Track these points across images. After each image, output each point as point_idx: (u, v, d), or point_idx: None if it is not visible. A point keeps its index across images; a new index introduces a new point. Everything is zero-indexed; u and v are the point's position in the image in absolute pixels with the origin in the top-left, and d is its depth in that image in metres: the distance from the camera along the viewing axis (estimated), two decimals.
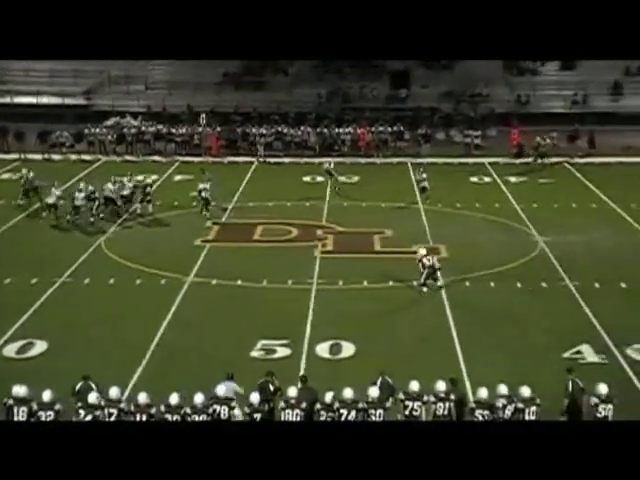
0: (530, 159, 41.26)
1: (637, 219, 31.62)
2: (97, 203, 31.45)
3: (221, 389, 15.55)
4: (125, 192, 32.40)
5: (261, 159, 42.18)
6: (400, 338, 21.47)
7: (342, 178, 37.56)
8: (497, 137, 46.41)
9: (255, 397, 15.52)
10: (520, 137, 43.93)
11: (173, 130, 45.12)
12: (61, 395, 15.62)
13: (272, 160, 42.32)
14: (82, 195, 31.12)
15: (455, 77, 53.76)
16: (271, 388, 16.30)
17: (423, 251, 25.32)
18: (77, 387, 16.15)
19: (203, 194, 32.32)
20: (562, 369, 17.23)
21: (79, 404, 15.32)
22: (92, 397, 15.32)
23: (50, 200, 31.13)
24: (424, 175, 34.22)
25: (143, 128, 45.32)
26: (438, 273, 24.85)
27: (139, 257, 27.44)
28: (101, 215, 31.58)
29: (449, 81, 53.41)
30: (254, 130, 45.18)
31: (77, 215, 31.06)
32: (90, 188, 31.60)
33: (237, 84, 54.06)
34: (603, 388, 15.57)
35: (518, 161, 42.42)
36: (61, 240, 29.43)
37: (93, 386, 16.02)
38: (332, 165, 36.82)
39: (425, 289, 24.62)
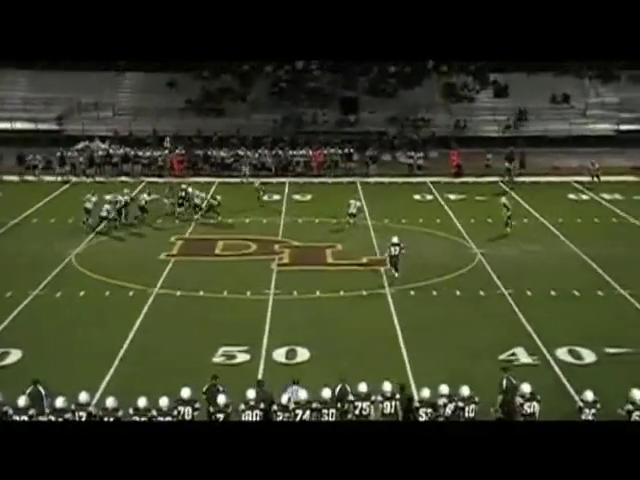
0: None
1: (563, 232, 32.06)
2: (125, 212, 33.15)
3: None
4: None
5: (245, 179, 41.35)
6: (350, 343, 21.49)
7: (296, 196, 37.60)
8: (438, 158, 46.80)
9: (222, 399, 15.53)
10: (459, 158, 44.37)
11: (139, 153, 44.94)
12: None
13: (233, 180, 42.18)
14: (109, 207, 32.47)
15: (400, 104, 54.19)
16: (221, 389, 16.20)
17: (395, 239, 26.56)
18: (27, 391, 15.79)
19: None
20: (498, 370, 17.37)
21: (32, 409, 14.98)
22: (59, 401, 15.11)
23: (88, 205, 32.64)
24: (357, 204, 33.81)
25: (111, 151, 45.05)
26: (397, 266, 26.06)
27: (107, 271, 27.17)
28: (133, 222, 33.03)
29: (394, 107, 53.78)
30: (214, 152, 45.20)
31: (101, 223, 32.33)
32: (120, 198, 33.02)
33: (198, 110, 53.93)
34: (526, 387, 15.68)
35: (457, 180, 42.80)
36: (35, 256, 29.03)
37: (42, 391, 15.73)
38: (259, 184, 37.02)
39: (397, 274, 26.05)
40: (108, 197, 33.50)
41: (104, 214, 32.35)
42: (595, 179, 40.39)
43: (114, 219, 32.60)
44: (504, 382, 16.41)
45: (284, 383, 16.70)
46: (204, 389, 16.35)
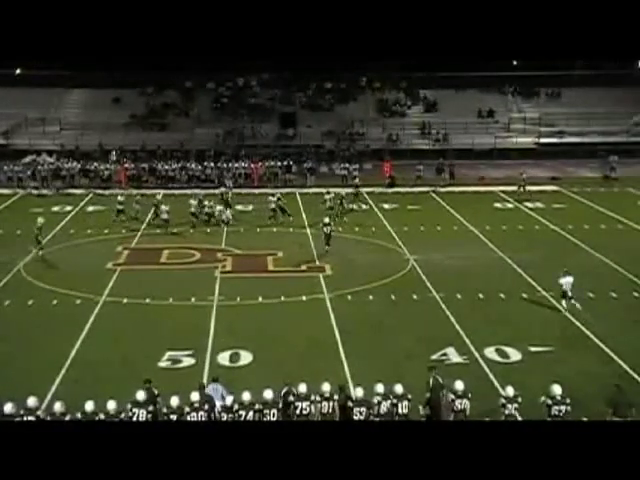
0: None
1: (490, 239, 32.53)
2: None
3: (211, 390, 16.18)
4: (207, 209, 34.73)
5: (230, 191, 39.86)
6: (292, 346, 21.45)
7: (239, 207, 37.49)
8: (372, 170, 47.18)
9: (175, 400, 15.36)
10: (391, 170, 44.77)
11: (86, 166, 44.29)
12: None
13: (177, 192, 41.84)
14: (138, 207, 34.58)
15: (336, 118, 54.56)
16: (155, 392, 15.93)
17: (326, 220, 29.80)
18: None
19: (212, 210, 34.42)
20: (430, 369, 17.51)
21: None
22: (8, 407, 14.79)
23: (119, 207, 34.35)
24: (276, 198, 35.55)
25: (59, 164, 44.26)
26: (330, 240, 29.46)
27: (55, 280, 26.69)
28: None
29: (331, 122, 54.15)
30: (159, 166, 44.81)
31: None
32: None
33: (143, 125, 53.47)
34: (459, 385, 15.81)
35: (390, 190, 43.16)
36: None
37: None
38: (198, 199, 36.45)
39: (327, 248, 29.54)
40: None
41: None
42: (521, 189, 40.90)
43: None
44: (431, 381, 16.51)
45: (227, 389, 16.60)
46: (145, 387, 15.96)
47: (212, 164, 45.28)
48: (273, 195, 36.34)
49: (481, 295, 25.52)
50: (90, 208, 38.69)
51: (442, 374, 16.99)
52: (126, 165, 44.62)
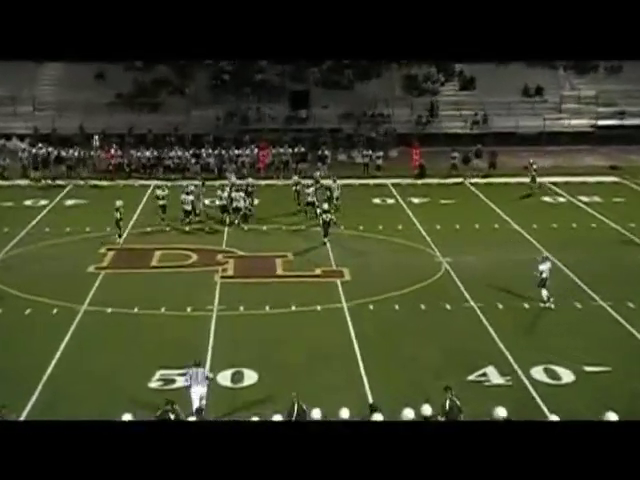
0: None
1: (538, 239, 32.43)
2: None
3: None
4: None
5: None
6: (304, 364, 21.44)
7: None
8: (398, 158, 47.14)
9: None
10: (421, 157, 44.72)
11: (64, 153, 44.41)
12: None
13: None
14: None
15: (356, 98, 54.46)
16: (172, 417, 16.12)
17: (325, 206, 31.73)
18: None
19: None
20: (466, 392, 17.47)
21: None
22: None
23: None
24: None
25: (33, 151, 44.34)
26: (329, 230, 31.17)
27: (28, 286, 26.77)
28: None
29: (350, 102, 54.04)
30: (147, 153, 44.90)
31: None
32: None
33: (131, 105, 53.60)
34: (501, 411, 15.70)
35: (420, 182, 43.11)
36: None
37: None
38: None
39: (326, 240, 31.16)
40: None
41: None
42: (533, 182, 40.56)
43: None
44: (447, 403, 16.50)
45: (227, 414, 16.62)
46: (157, 414, 16.20)
47: (211, 151, 45.36)
48: (308, 186, 36.08)
49: (526, 305, 25.43)
50: (69, 202, 38.86)
51: (480, 397, 16.95)
52: (112, 152, 44.76)
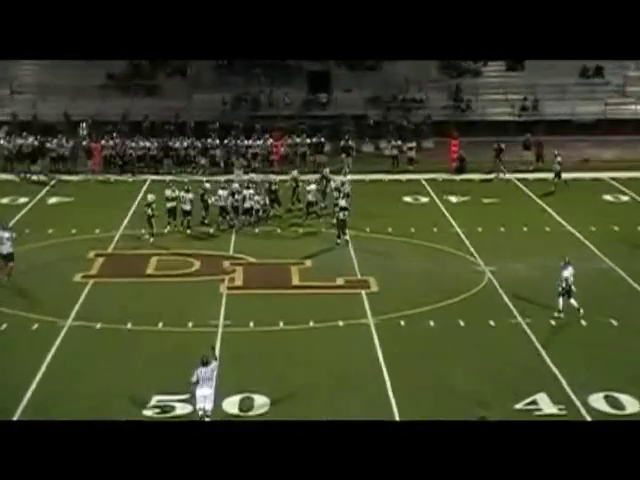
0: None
1: (598, 244, 32.31)
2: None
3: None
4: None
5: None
6: (322, 389, 21.43)
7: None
8: (434, 149, 47.09)
9: None
10: (460, 149, 44.64)
11: (47, 143, 44.55)
12: None
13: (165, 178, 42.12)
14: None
15: (383, 79, 54.39)
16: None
17: (343, 203, 32.72)
18: None
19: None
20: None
21: None
22: None
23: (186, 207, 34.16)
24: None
25: (18, 141, 44.44)
26: (345, 230, 32.26)
27: (4, 297, 26.97)
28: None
29: (377, 84, 54.00)
30: (143, 143, 44.97)
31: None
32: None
33: (124, 88, 53.76)
34: None
35: (459, 177, 43.04)
36: None
37: None
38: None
39: (339, 241, 32.05)
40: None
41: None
42: (557, 178, 40.48)
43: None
44: None
45: None
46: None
47: (217, 142, 45.41)
48: (310, 183, 36.11)
49: (583, 322, 25.35)
50: (52, 200, 39.08)
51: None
52: (102, 142, 44.89)
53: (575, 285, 25.51)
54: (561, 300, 25.44)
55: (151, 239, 32.57)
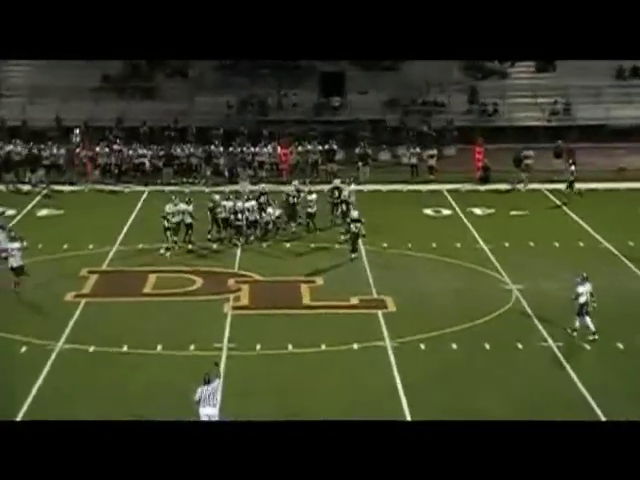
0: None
1: (635, 260, 32.22)
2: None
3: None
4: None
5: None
6: (336, 418, 21.35)
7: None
8: (457, 157, 47.07)
9: None
10: (485, 157, 44.62)
11: (37, 150, 44.66)
12: None
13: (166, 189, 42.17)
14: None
15: (402, 81, 54.39)
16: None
17: (355, 214, 32.67)
18: None
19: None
20: None
21: None
22: None
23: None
24: None
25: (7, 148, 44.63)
26: (356, 246, 32.42)
27: None
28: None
29: (394, 86, 54.01)
30: (139, 151, 45.02)
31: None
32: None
33: (120, 90, 53.87)
34: None
35: (484, 188, 43.00)
36: None
37: None
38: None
39: (353, 256, 32.27)
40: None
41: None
42: (569, 189, 40.66)
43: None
44: None
45: None
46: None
47: (221, 149, 45.46)
48: (311, 193, 36.30)
49: (620, 345, 25.27)
50: (42, 212, 39.20)
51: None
52: (97, 149, 44.98)
53: (591, 303, 25.63)
54: (577, 321, 25.60)
55: (168, 254, 32.75)
